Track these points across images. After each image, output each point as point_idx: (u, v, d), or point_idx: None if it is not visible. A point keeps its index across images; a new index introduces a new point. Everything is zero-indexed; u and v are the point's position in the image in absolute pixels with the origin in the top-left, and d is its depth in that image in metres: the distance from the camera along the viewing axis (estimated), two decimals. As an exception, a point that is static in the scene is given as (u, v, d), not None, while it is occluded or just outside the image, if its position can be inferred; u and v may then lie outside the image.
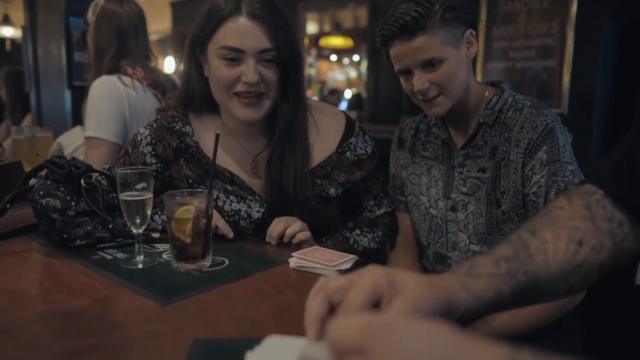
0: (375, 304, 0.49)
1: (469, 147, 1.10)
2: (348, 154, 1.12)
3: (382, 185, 1.20)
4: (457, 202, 1.11)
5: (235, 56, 0.98)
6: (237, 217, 1.07)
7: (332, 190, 1.10)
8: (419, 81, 1.01)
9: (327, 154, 1.11)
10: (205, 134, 1.12)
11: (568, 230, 0.59)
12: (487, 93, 1.10)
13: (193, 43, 1.05)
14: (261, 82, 1.00)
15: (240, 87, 1.00)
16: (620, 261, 0.61)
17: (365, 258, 1.06)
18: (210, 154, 1.01)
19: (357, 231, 1.15)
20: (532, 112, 1.03)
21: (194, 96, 1.10)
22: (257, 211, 1.07)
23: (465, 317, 0.52)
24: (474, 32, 1.05)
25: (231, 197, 1.08)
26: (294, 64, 1.04)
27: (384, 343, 0.33)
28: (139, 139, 1.12)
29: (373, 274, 0.49)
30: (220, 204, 1.07)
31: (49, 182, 0.97)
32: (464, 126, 1.12)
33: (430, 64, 1.00)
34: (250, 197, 1.08)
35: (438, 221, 1.16)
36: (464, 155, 1.11)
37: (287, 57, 1.01)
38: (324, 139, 1.11)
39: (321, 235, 1.10)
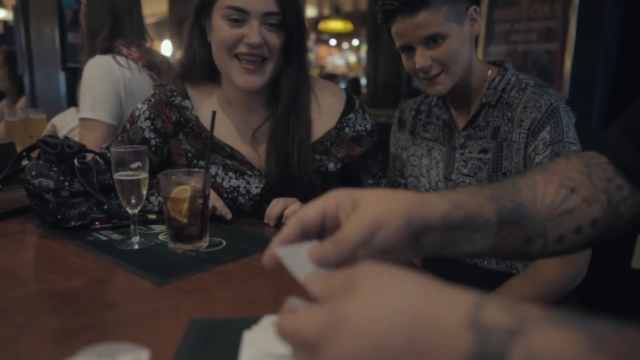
0: (336, 225, 0.48)
1: (470, 127, 1.08)
2: (347, 129, 1.11)
3: (381, 164, 1.20)
4: (458, 183, 1.10)
5: (239, 17, 0.97)
6: (235, 194, 1.06)
7: (331, 165, 1.09)
8: (421, 58, 0.99)
9: (327, 130, 1.10)
10: (205, 104, 1.10)
11: (560, 177, 0.56)
12: (489, 72, 1.07)
13: (199, 7, 1.04)
14: (264, 46, 0.98)
15: (242, 49, 0.98)
16: (615, 226, 0.58)
17: None
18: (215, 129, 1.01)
19: None
20: (536, 92, 1.01)
21: (194, 63, 1.08)
22: (256, 187, 1.06)
23: (447, 226, 0.49)
24: (477, 9, 1.03)
25: (230, 174, 1.07)
26: (299, 32, 1.02)
27: (359, 285, 0.34)
28: (137, 114, 1.11)
29: (334, 193, 0.49)
30: (219, 180, 1.06)
31: (42, 162, 0.95)
32: (465, 106, 1.10)
33: (432, 40, 0.98)
34: (249, 172, 1.07)
35: None
36: (465, 136, 1.09)
37: (292, 23, 1.00)
38: (324, 115, 1.10)
39: None
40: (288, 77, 1.04)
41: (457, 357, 0.30)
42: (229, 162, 1.07)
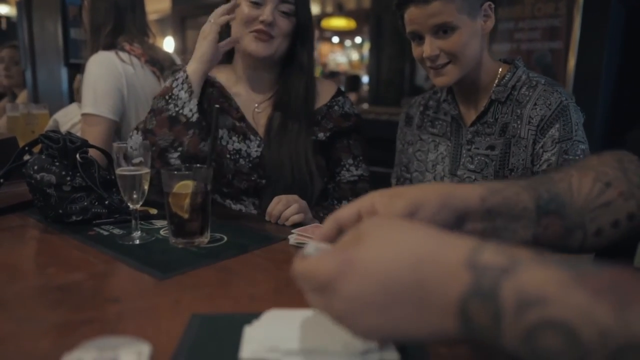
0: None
1: (478, 124, 1.09)
2: (336, 108, 1.25)
3: (363, 150, 1.27)
4: (464, 179, 1.10)
5: (259, 1, 1.13)
6: (237, 156, 1.16)
7: (321, 135, 1.21)
8: (429, 47, 1.00)
9: (319, 106, 1.24)
10: (221, 77, 1.24)
11: (595, 172, 0.57)
12: (500, 70, 1.08)
13: None
14: (275, 25, 1.13)
15: (256, 25, 1.13)
16: None
17: None
18: (230, 92, 1.20)
19: (345, 202, 1.21)
20: (546, 90, 1.01)
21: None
22: (256, 150, 1.17)
23: (487, 210, 0.51)
24: (492, 5, 1.03)
25: (234, 138, 1.17)
26: (308, 22, 1.20)
27: (366, 234, 0.39)
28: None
29: (371, 195, 0.52)
30: (224, 143, 1.17)
31: (44, 157, 0.95)
32: (474, 102, 1.10)
33: (442, 30, 0.99)
34: (252, 137, 1.18)
35: None
36: (473, 132, 1.10)
37: (301, 14, 1.16)
38: (319, 95, 1.25)
39: (309, 195, 1.15)
40: (304, 54, 1.20)
41: (456, 293, 0.35)
42: (237, 124, 1.18)
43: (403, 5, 1.01)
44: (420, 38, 1.02)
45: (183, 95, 1.06)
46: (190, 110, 1.06)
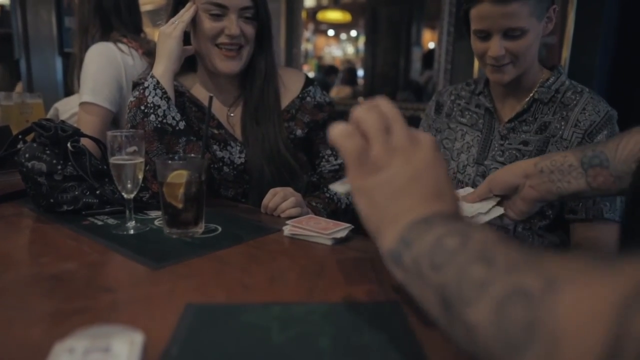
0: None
1: (516, 121, 1.11)
2: (308, 99, 1.24)
3: None
4: (490, 169, 1.13)
5: (219, 12, 1.08)
6: (221, 164, 1.15)
7: (299, 132, 1.21)
8: (497, 47, 1.01)
9: (291, 100, 1.23)
10: (186, 84, 1.20)
11: None
12: (543, 74, 1.12)
13: (178, 1, 1.14)
14: (241, 35, 1.10)
15: (223, 39, 1.10)
16: None
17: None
18: (201, 100, 1.16)
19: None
20: (593, 98, 1.06)
21: None
22: (239, 157, 1.16)
23: (540, 170, 0.75)
24: (557, 9, 1.05)
25: (215, 147, 1.14)
26: (267, 22, 1.16)
27: None
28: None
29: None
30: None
31: (35, 145, 0.94)
32: (510, 100, 1.13)
33: (512, 33, 0.99)
34: (232, 143, 1.16)
35: (464, 186, 1.17)
36: (509, 129, 1.12)
37: (263, 15, 1.13)
38: (288, 90, 1.24)
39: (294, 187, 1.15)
40: (262, 58, 1.17)
41: None
42: (216, 131, 1.16)
43: (476, 0, 1.01)
44: (486, 37, 1.03)
45: (159, 102, 1.05)
46: (173, 118, 1.06)
